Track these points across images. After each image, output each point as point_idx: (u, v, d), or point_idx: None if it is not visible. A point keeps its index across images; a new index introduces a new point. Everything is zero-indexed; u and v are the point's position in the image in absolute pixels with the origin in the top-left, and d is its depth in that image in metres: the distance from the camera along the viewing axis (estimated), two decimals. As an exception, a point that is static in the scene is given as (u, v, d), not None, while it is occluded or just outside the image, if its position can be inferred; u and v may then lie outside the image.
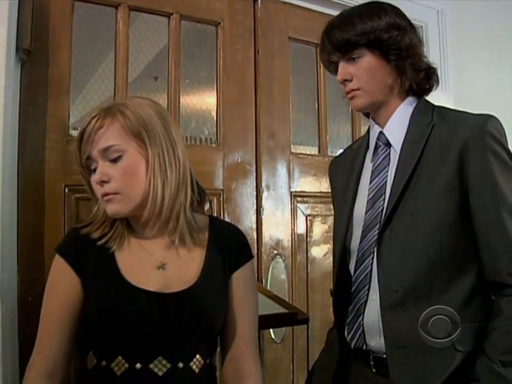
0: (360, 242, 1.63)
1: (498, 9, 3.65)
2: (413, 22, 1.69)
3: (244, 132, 2.78)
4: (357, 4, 1.72)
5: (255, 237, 2.74)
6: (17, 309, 2.08)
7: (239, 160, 2.75)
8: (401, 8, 1.68)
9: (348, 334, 1.65)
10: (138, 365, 1.45)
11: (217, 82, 2.76)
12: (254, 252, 2.66)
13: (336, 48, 1.64)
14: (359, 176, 1.74)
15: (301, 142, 3.03)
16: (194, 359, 1.51)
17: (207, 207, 1.72)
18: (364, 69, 1.62)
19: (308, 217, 2.95)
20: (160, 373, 1.46)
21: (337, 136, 3.15)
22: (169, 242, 1.55)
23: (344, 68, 1.65)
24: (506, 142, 1.53)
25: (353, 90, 1.64)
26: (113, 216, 1.52)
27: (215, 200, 2.65)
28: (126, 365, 1.46)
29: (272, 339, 2.69)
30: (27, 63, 2.23)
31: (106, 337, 1.49)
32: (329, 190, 1.95)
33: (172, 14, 2.63)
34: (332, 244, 1.86)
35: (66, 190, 2.26)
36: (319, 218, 2.98)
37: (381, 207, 1.60)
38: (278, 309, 2.03)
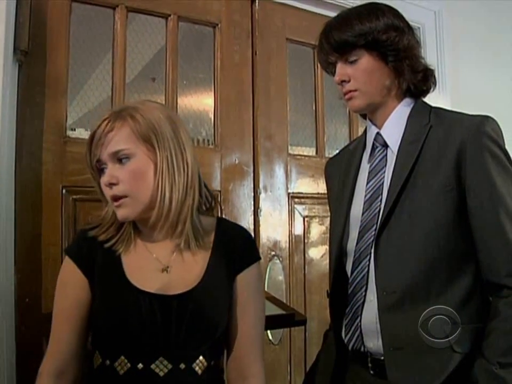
0: (357, 243, 1.63)
1: (495, 11, 3.65)
2: (410, 23, 1.69)
3: (242, 133, 2.78)
4: (354, 5, 1.72)
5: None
6: (14, 310, 2.08)
7: (237, 162, 2.75)
8: (398, 10, 1.68)
9: (345, 336, 1.65)
10: (140, 365, 1.47)
11: (215, 84, 2.76)
12: (259, 252, 2.68)
13: (334, 49, 1.64)
14: (355, 177, 1.73)
15: (299, 143, 3.03)
16: (197, 361, 1.51)
17: (215, 210, 1.72)
18: (362, 70, 1.62)
19: (306, 219, 2.96)
20: (161, 374, 1.46)
21: (335, 137, 3.16)
22: (174, 246, 1.56)
23: (342, 69, 1.65)
24: (503, 142, 1.53)
25: (350, 91, 1.64)
26: (123, 220, 1.54)
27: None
28: (129, 365, 1.47)
29: (270, 340, 2.70)
30: (24, 63, 2.23)
31: (110, 337, 1.52)
32: (326, 191, 1.95)
33: (170, 15, 2.63)
34: (328, 245, 1.86)
35: (64, 191, 2.27)
36: (317, 220, 2.99)
37: (378, 208, 1.60)
38: (276, 310, 2.03)
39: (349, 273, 1.66)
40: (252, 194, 2.78)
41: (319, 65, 2.88)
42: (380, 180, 1.63)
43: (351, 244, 1.65)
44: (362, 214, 1.63)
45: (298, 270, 2.89)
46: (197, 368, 1.51)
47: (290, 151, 2.93)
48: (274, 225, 2.83)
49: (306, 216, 2.96)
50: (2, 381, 1.95)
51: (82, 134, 2.37)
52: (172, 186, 1.50)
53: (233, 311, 1.60)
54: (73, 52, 2.39)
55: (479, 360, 1.42)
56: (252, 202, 2.77)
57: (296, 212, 2.93)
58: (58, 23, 2.33)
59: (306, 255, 2.92)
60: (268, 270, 2.75)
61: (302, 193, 2.94)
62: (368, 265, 1.58)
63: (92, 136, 1.52)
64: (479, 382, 1.40)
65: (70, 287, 1.55)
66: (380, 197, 1.60)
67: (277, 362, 2.75)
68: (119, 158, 1.49)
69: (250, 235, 1.74)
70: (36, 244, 2.18)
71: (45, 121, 2.26)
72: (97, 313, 1.52)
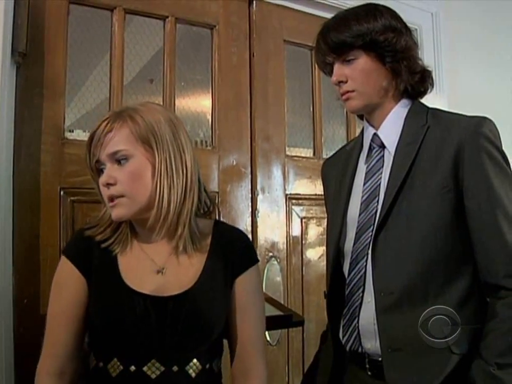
0: (354, 244, 1.63)
1: (492, 12, 3.66)
2: (407, 24, 1.69)
3: (239, 134, 2.78)
4: (352, 6, 1.72)
5: (250, 239, 2.72)
6: (12, 311, 2.08)
7: (234, 163, 2.75)
8: (395, 11, 1.69)
9: (343, 337, 1.65)
10: (132, 367, 1.47)
11: (213, 85, 2.76)
12: (257, 254, 2.68)
13: (332, 50, 1.64)
14: (352, 177, 1.73)
15: (296, 145, 3.03)
16: (191, 363, 1.51)
17: (213, 213, 1.73)
18: (359, 71, 1.62)
19: (303, 220, 2.96)
20: (153, 376, 1.47)
21: (332, 138, 3.16)
22: (171, 248, 1.57)
23: (339, 70, 1.65)
24: (501, 144, 1.53)
25: (348, 92, 1.64)
26: (118, 219, 1.54)
27: (210, 202, 2.65)
28: (121, 367, 1.48)
29: (268, 341, 2.69)
30: (22, 65, 2.22)
31: (104, 338, 1.52)
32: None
33: (167, 17, 2.63)
34: (326, 246, 1.86)
35: (62, 192, 2.26)
36: (314, 221, 2.99)
37: (375, 209, 1.60)
38: (274, 311, 2.03)
39: (346, 274, 1.66)
40: (250, 195, 2.78)
41: (316, 66, 2.89)
42: (377, 181, 1.63)
43: (348, 245, 1.66)
44: (359, 215, 1.63)
45: (296, 271, 2.89)
46: (190, 371, 1.51)
47: (287, 153, 2.93)
48: (272, 227, 2.83)
49: (304, 218, 2.96)
50: (1, 382, 1.95)
51: (80, 135, 2.37)
52: (171, 188, 1.50)
53: (234, 314, 1.61)
54: (71, 54, 2.39)
55: (477, 361, 1.42)
56: (250, 204, 2.77)
57: (294, 213, 2.93)
58: (56, 25, 2.33)
59: (304, 256, 2.93)
60: (265, 271, 2.75)
61: (299, 194, 2.94)
62: (366, 266, 1.58)
63: (92, 137, 1.53)
64: (476, 383, 1.40)
65: (68, 286, 1.55)
66: (377, 198, 1.60)
67: (275, 363, 2.75)
68: (118, 158, 1.49)
69: (248, 238, 1.75)
70: (34, 245, 2.18)
71: (43, 122, 2.26)
72: (92, 313, 1.53)
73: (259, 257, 1.72)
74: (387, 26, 1.61)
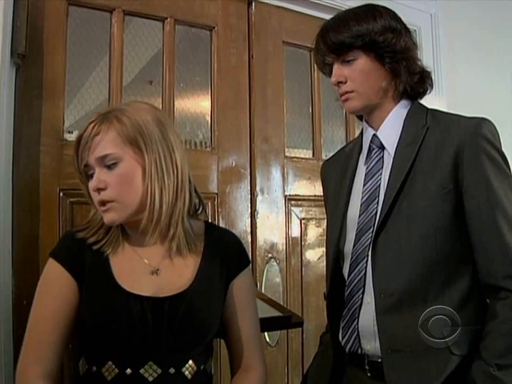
0: (354, 245, 1.63)
1: (491, 13, 3.66)
2: (406, 25, 1.69)
3: (238, 135, 2.79)
4: (351, 7, 1.72)
5: (250, 240, 2.74)
6: (11, 313, 2.08)
7: (234, 164, 2.75)
8: (395, 12, 1.69)
9: (342, 338, 1.65)
10: (128, 370, 1.45)
11: (212, 86, 2.76)
12: (249, 255, 2.67)
13: (331, 50, 1.64)
14: (352, 178, 1.73)
15: (295, 146, 3.03)
16: (187, 365, 1.50)
17: (203, 213, 1.71)
18: (359, 71, 1.62)
19: (302, 221, 2.96)
20: (151, 378, 1.45)
21: (331, 139, 3.16)
22: (165, 250, 1.56)
23: (338, 70, 1.65)
24: (500, 145, 1.53)
25: (347, 92, 1.64)
26: (110, 224, 1.53)
27: (209, 204, 2.65)
28: (116, 370, 1.45)
29: (267, 342, 2.69)
30: (22, 67, 2.23)
31: (98, 342, 1.49)
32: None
33: (166, 18, 2.63)
34: (325, 247, 1.86)
35: (61, 194, 2.26)
36: (314, 222, 2.99)
37: (375, 210, 1.60)
38: (273, 312, 2.03)
39: (346, 276, 1.66)
40: (249, 196, 2.78)
41: (315, 67, 2.90)
42: (377, 182, 1.63)
43: (348, 246, 1.66)
44: (359, 216, 1.63)
45: (295, 272, 2.89)
46: (186, 373, 1.50)
47: (287, 154, 2.93)
48: (271, 228, 2.83)
49: (303, 219, 2.96)
50: (0, 383, 1.94)
51: (80, 137, 2.37)
52: (162, 189, 1.49)
53: (233, 315, 1.61)
54: (70, 55, 2.39)
55: (477, 361, 1.42)
56: (249, 205, 2.77)
57: (293, 214, 2.93)
58: (55, 26, 2.33)
59: (303, 257, 2.92)
60: (265, 272, 2.75)
61: (298, 195, 2.94)
62: (366, 267, 1.58)
63: (79, 140, 1.52)
64: (476, 383, 1.40)
65: (57, 289, 1.51)
66: (377, 199, 1.60)
67: (274, 364, 2.75)
68: (107, 163, 1.48)
69: (239, 239, 1.75)
70: (33, 247, 2.17)
71: (42, 124, 2.26)
72: (85, 316, 1.49)
73: (258, 258, 1.73)
74: (386, 27, 1.61)
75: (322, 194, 1.95)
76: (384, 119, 1.67)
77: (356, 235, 1.63)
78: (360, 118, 1.80)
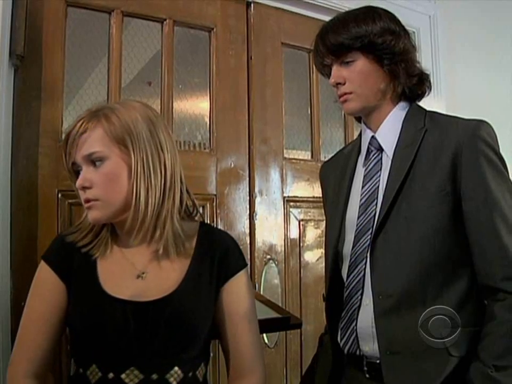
0: (353, 247, 1.63)
1: (490, 14, 3.66)
2: (405, 27, 1.69)
3: (237, 137, 2.79)
4: (349, 8, 1.72)
5: (248, 242, 2.75)
6: (10, 314, 2.08)
7: (232, 165, 2.75)
8: (394, 14, 1.69)
9: (341, 340, 1.65)
10: (111, 375, 1.43)
11: (210, 88, 2.76)
12: (247, 256, 2.68)
13: (330, 52, 1.64)
14: (351, 180, 1.74)
15: (294, 147, 3.03)
16: (172, 371, 1.45)
17: (196, 215, 1.68)
18: (357, 73, 1.62)
19: (301, 222, 2.96)
20: None
21: (330, 141, 3.16)
22: (152, 252, 1.53)
23: (337, 71, 1.65)
24: (498, 147, 1.54)
25: (345, 93, 1.64)
26: (94, 222, 1.51)
27: (208, 205, 2.66)
28: (100, 374, 1.43)
29: (266, 344, 2.69)
30: (20, 68, 2.23)
31: (83, 346, 1.49)
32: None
33: (165, 19, 2.64)
34: (324, 248, 1.86)
35: (59, 195, 2.26)
36: (312, 223, 2.99)
37: (374, 212, 1.60)
38: (271, 314, 2.03)
39: (344, 277, 1.66)
40: (248, 198, 2.78)
41: (314, 69, 2.90)
42: (375, 184, 1.63)
43: (347, 248, 1.66)
44: (358, 218, 1.63)
45: (293, 273, 2.89)
46: (171, 380, 1.45)
47: (285, 155, 2.93)
48: (269, 229, 2.83)
49: (302, 220, 2.96)
50: (-1, 384, 1.95)
51: (78, 138, 2.37)
52: (148, 189, 1.46)
53: (227, 320, 1.56)
54: (69, 56, 2.39)
55: (475, 363, 1.43)
56: (248, 206, 2.77)
57: (292, 216, 2.93)
58: (54, 28, 2.33)
59: (301, 259, 2.92)
60: (263, 273, 2.75)
61: (297, 197, 2.94)
62: (364, 269, 1.58)
63: (67, 138, 1.50)
64: (474, 384, 1.40)
65: (46, 291, 1.51)
66: (376, 201, 1.60)
67: (273, 366, 2.75)
68: (93, 160, 1.46)
69: (235, 241, 1.69)
70: (31, 248, 2.17)
71: (41, 125, 2.26)
72: (70, 320, 1.50)
73: (257, 260, 1.71)
74: (385, 29, 1.61)
75: (320, 195, 1.95)
76: (382, 120, 1.67)
77: (355, 236, 1.63)
78: (358, 119, 1.80)
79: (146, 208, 1.46)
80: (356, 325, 1.59)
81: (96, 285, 1.49)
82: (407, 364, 1.49)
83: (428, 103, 1.73)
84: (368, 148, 1.69)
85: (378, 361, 1.53)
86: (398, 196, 1.54)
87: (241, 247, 1.70)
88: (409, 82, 1.64)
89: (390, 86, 1.65)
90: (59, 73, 2.33)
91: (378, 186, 1.62)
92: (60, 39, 2.35)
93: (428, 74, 1.69)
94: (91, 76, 2.51)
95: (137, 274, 1.52)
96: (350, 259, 1.63)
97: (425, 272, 1.50)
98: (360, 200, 1.65)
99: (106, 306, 1.45)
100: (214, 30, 2.77)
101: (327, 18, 1.77)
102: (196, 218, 1.68)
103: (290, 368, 2.81)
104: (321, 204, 1.95)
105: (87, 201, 1.47)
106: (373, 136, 1.68)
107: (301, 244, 2.94)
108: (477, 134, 1.51)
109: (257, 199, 2.79)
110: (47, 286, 1.52)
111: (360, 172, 1.71)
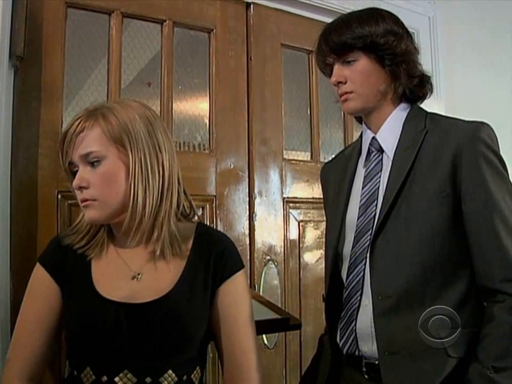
0: (353, 248, 1.63)
1: (489, 16, 3.66)
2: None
3: (237, 138, 2.79)
4: (349, 10, 1.73)
5: (248, 242, 2.74)
6: (10, 315, 2.08)
7: (232, 166, 2.75)
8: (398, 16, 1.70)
9: (340, 340, 1.65)
10: (104, 378, 1.41)
11: (210, 89, 2.76)
12: (247, 257, 2.68)
13: (332, 50, 1.65)
14: (351, 181, 1.74)
15: (294, 148, 3.03)
16: (166, 375, 1.43)
17: (193, 216, 1.66)
18: (359, 72, 1.63)
19: (301, 223, 2.96)
20: None
21: (330, 142, 3.16)
22: (148, 253, 1.52)
23: (339, 70, 1.65)
24: (498, 148, 1.54)
25: (346, 93, 1.65)
26: (91, 222, 1.50)
27: (207, 206, 2.66)
28: (93, 377, 1.42)
29: (265, 344, 2.69)
30: (20, 69, 2.23)
31: (77, 348, 1.48)
32: (322, 196, 1.96)
33: (165, 20, 2.64)
34: (324, 249, 1.86)
35: (59, 196, 2.26)
36: (312, 224, 2.99)
37: (373, 213, 1.60)
38: (271, 315, 2.02)
39: (344, 278, 1.66)
40: (247, 199, 2.78)
41: (314, 70, 2.92)
42: (376, 185, 1.63)
43: (347, 248, 1.66)
44: (358, 219, 1.64)
45: (293, 274, 2.89)
46: (165, 383, 1.43)
47: (285, 156, 2.93)
48: (269, 230, 2.83)
49: (301, 221, 2.96)
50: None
51: (78, 139, 2.37)
52: (146, 189, 1.45)
53: (222, 323, 1.54)
54: (68, 57, 2.39)
55: (474, 364, 1.43)
56: (247, 207, 2.77)
57: (291, 217, 2.93)
58: (54, 29, 2.33)
59: (301, 260, 2.92)
60: (263, 274, 2.75)
61: (297, 198, 2.94)
62: (364, 269, 1.59)
63: (64, 137, 1.48)
64: (473, 385, 1.41)
65: (41, 293, 1.51)
66: (376, 202, 1.61)
67: (272, 367, 2.75)
68: (90, 160, 1.44)
69: (232, 242, 1.65)
70: (31, 249, 2.17)
71: (41, 126, 2.26)
72: (64, 322, 1.49)
73: (256, 261, 1.69)
74: (388, 30, 1.62)
75: (320, 196, 1.96)
76: (383, 121, 1.67)
77: (355, 237, 1.64)
78: (359, 120, 1.80)
79: (144, 209, 1.45)
80: (355, 325, 1.60)
81: (90, 286, 1.47)
82: (406, 365, 1.49)
83: (427, 104, 1.74)
84: (368, 148, 1.70)
85: (377, 362, 1.53)
86: (398, 197, 1.55)
87: (240, 248, 1.70)
88: (410, 83, 1.65)
89: (390, 87, 1.65)
90: (59, 74, 2.33)
91: (378, 187, 1.62)
92: (59, 40, 2.35)
93: (429, 76, 1.70)
94: (91, 77, 2.51)
95: (132, 275, 1.50)
96: (350, 259, 1.63)
97: (424, 273, 1.50)
98: (360, 200, 1.65)
99: (98, 307, 1.44)
100: (214, 31, 2.78)
101: (326, 19, 1.77)
102: (193, 219, 1.66)
103: (289, 369, 2.81)
104: (321, 205, 1.95)
105: (84, 200, 1.45)
106: (373, 137, 1.69)
107: (301, 245, 2.94)
108: (477, 135, 1.51)
109: (257, 200, 2.79)
110: (42, 288, 1.52)
111: (360, 172, 1.71)
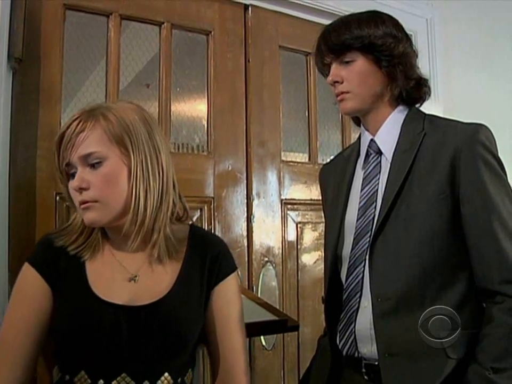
0: (352, 249, 1.63)
1: (487, 18, 3.67)
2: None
3: (235, 139, 2.79)
4: (347, 12, 1.73)
5: (246, 244, 2.74)
6: (8, 317, 2.07)
7: (230, 168, 2.76)
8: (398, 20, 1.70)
9: (339, 341, 1.65)
10: (101, 381, 1.38)
11: (208, 91, 2.77)
12: (245, 259, 2.68)
13: (330, 50, 1.65)
14: (350, 183, 1.74)
15: (291, 150, 3.03)
16: (162, 378, 1.43)
17: (186, 218, 1.64)
18: (356, 73, 1.63)
19: (298, 225, 2.96)
20: None
21: (328, 143, 3.16)
22: (145, 256, 1.50)
23: (336, 70, 1.66)
24: (497, 150, 1.54)
25: (343, 92, 1.65)
26: (91, 225, 1.46)
27: (205, 207, 2.66)
28: (89, 381, 1.39)
29: (263, 346, 2.70)
30: (19, 71, 2.23)
31: (71, 351, 1.43)
32: (320, 198, 1.96)
33: (163, 22, 2.64)
34: (323, 251, 1.86)
35: (57, 197, 2.26)
36: (310, 226, 2.99)
37: (373, 215, 1.60)
38: (269, 316, 2.02)
39: (343, 279, 1.67)
40: (245, 200, 2.78)
41: (312, 72, 2.92)
42: (374, 187, 1.63)
43: (346, 250, 1.66)
44: (357, 221, 1.64)
45: (291, 276, 2.89)
46: None
47: (283, 158, 2.94)
48: (267, 232, 2.83)
49: (299, 223, 2.96)
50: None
51: (77, 140, 2.37)
52: (147, 192, 1.43)
53: (214, 325, 1.54)
54: (67, 59, 2.39)
55: (473, 365, 1.43)
56: (245, 209, 2.78)
57: (289, 218, 2.93)
58: (52, 31, 2.33)
59: (299, 261, 2.93)
60: (261, 276, 2.75)
61: (295, 199, 2.95)
62: (363, 271, 1.59)
63: (61, 137, 1.44)
64: (472, 386, 1.41)
65: (31, 294, 1.46)
66: (374, 204, 1.61)
67: (270, 368, 2.75)
68: (91, 161, 1.41)
69: (225, 244, 1.65)
70: (30, 250, 2.13)
71: (39, 128, 2.26)
72: (57, 324, 1.44)
73: (254, 262, 1.69)
74: (387, 33, 1.62)
75: (318, 198, 1.96)
76: (381, 123, 1.68)
77: (354, 239, 1.64)
78: (357, 122, 1.81)
79: (145, 211, 1.43)
80: (355, 327, 1.60)
81: (86, 288, 1.44)
82: (406, 366, 1.49)
83: (425, 106, 1.73)
84: (367, 150, 1.70)
85: (376, 363, 1.54)
86: (397, 198, 1.55)
87: (238, 249, 1.70)
88: (407, 85, 1.65)
89: (387, 88, 1.66)
90: (57, 76, 2.34)
91: (377, 189, 1.63)
92: (58, 42, 2.35)
93: (426, 79, 1.70)
94: (89, 79, 2.51)
95: (129, 277, 1.48)
96: (349, 261, 1.63)
97: (423, 275, 1.50)
98: (359, 203, 1.65)
99: (96, 309, 1.42)
100: (212, 33, 2.78)
101: (324, 21, 1.78)
102: (186, 221, 1.65)
103: (287, 371, 2.81)
104: (319, 207, 1.95)
105: (84, 202, 1.41)
106: (372, 139, 1.69)
107: (299, 246, 2.94)
108: (476, 137, 1.51)
109: (255, 202, 2.79)
110: (31, 289, 1.46)
111: (359, 174, 1.72)
